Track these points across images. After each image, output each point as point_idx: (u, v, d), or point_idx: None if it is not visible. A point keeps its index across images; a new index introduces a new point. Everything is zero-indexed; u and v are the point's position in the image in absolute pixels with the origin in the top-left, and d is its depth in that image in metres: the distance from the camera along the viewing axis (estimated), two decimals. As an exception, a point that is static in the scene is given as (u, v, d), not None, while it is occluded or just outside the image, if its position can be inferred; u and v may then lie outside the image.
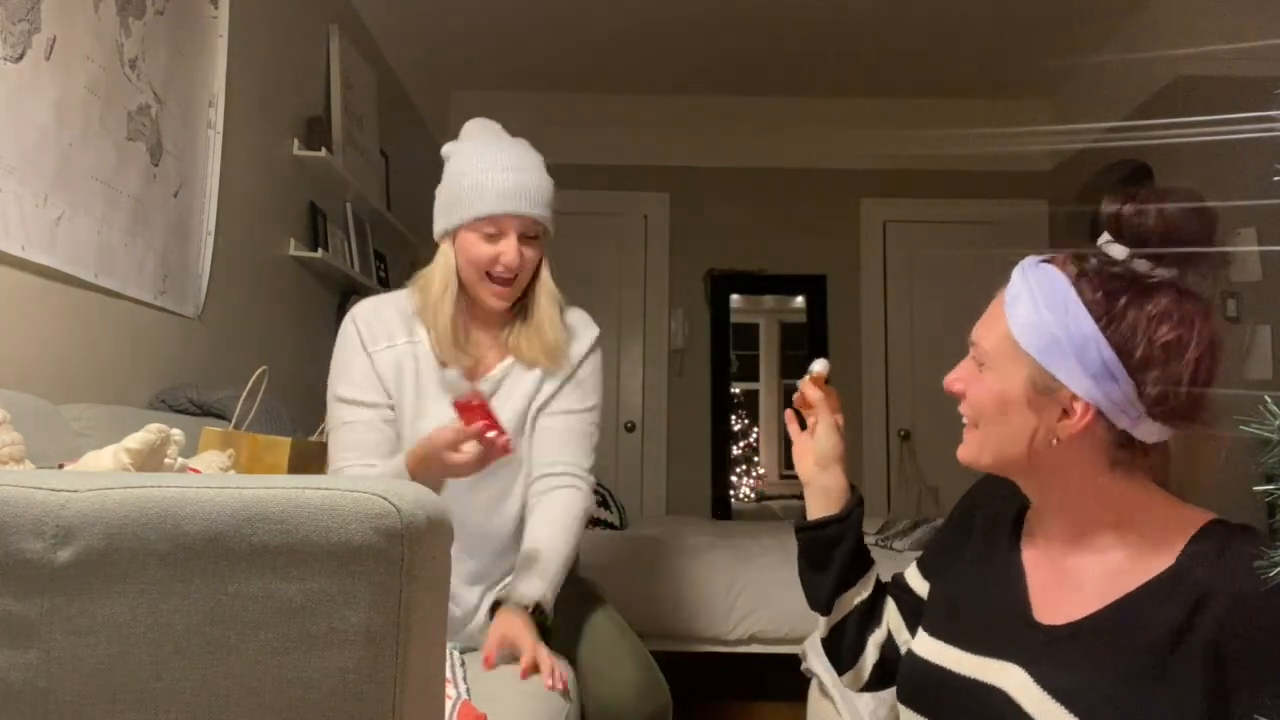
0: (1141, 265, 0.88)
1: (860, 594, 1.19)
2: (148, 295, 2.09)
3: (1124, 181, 4.44)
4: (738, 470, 5.84)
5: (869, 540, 3.33)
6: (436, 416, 1.53)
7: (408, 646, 0.75)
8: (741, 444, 6.00)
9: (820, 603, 1.19)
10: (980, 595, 1.03)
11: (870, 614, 1.20)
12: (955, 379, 0.99)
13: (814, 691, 2.00)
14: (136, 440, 1.04)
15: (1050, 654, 0.92)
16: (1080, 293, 0.88)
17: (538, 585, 1.48)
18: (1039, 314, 0.89)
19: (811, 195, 5.00)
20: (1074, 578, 0.95)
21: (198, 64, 2.31)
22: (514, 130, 1.70)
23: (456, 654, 1.43)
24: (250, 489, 0.74)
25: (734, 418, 5.48)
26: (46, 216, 1.72)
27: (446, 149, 1.65)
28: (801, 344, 5.19)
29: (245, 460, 1.59)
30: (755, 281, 5.10)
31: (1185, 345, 0.85)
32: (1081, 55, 4.22)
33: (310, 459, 1.67)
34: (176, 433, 1.09)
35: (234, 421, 1.85)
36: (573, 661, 1.55)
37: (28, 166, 1.66)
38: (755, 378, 6.29)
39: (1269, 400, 0.74)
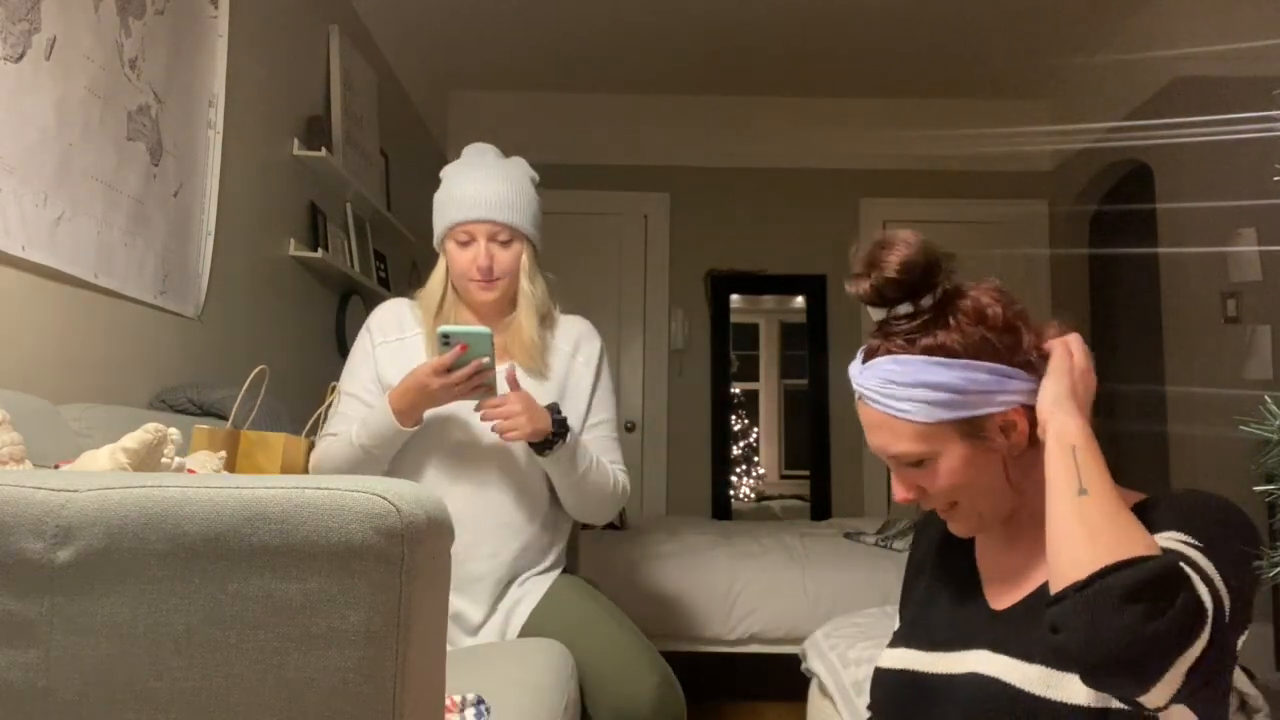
0: (905, 309, 0.99)
1: None
2: (148, 295, 2.09)
3: (1120, 183, 4.44)
4: (738, 470, 5.83)
5: (869, 541, 3.32)
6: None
7: (407, 646, 0.75)
8: (741, 444, 5.99)
9: None
10: (943, 601, 1.10)
11: None
12: (906, 491, 1.03)
13: (814, 691, 2.00)
14: (134, 440, 1.04)
15: (1007, 629, 0.99)
16: (909, 354, 0.97)
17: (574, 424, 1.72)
18: (914, 391, 0.96)
19: (811, 195, 4.99)
20: (1018, 565, 1.03)
21: (198, 64, 2.31)
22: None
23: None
24: (250, 489, 0.74)
25: (734, 418, 5.47)
26: (46, 216, 1.72)
27: (443, 171, 1.82)
28: (801, 344, 5.19)
29: (236, 458, 1.60)
30: (755, 281, 5.10)
31: (999, 313, 0.98)
32: (1081, 55, 4.22)
33: (303, 457, 1.71)
34: (174, 432, 1.09)
35: (230, 420, 1.87)
36: (584, 669, 1.58)
37: (28, 166, 1.66)
38: (755, 378, 6.29)
39: (1269, 400, 0.74)
